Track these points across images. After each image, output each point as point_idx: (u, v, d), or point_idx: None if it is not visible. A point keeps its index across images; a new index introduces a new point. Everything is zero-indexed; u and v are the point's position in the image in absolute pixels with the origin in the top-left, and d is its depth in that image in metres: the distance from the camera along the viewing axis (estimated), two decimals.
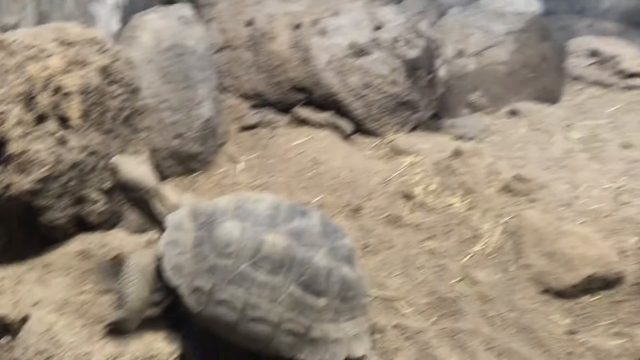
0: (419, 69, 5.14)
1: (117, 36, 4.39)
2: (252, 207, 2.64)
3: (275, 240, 2.52)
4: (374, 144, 4.92)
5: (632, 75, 6.49)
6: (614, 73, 6.58)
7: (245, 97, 5.28)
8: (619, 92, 6.43)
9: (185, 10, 4.62)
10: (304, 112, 4.96)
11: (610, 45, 6.88)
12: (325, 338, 2.55)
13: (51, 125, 2.89)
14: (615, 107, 6.05)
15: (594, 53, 6.83)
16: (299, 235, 2.56)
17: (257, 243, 2.51)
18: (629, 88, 6.44)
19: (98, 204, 3.09)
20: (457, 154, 4.33)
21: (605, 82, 6.57)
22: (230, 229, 2.55)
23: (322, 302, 2.54)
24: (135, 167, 2.76)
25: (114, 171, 2.74)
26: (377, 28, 5.18)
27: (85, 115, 3.03)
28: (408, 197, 4.11)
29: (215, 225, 2.58)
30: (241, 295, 2.48)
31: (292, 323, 2.50)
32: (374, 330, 3.09)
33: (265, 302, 2.48)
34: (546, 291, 3.44)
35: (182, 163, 4.25)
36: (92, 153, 3.02)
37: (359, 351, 2.62)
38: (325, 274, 2.54)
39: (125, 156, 2.92)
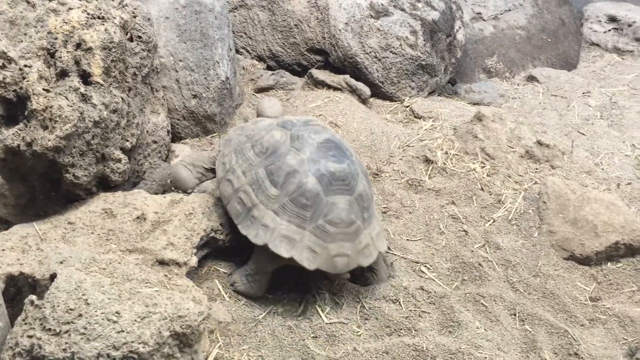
0: (438, 31, 5.02)
1: None
2: (294, 118, 3.20)
3: (275, 134, 3.00)
4: (392, 108, 4.84)
5: None
6: (632, 39, 6.47)
7: (260, 58, 5.19)
8: (637, 58, 6.32)
9: None
10: (321, 74, 4.86)
11: (628, 11, 6.74)
12: (259, 220, 2.85)
13: (73, 81, 2.82)
14: (633, 74, 5.95)
15: (612, 19, 6.69)
16: (295, 139, 2.95)
17: (265, 132, 3.05)
18: None
19: (120, 163, 3.04)
20: (478, 118, 4.26)
21: (624, 48, 6.46)
22: (261, 122, 3.29)
23: (273, 191, 2.86)
24: (269, 104, 3.84)
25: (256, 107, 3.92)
26: None
27: (107, 71, 2.96)
28: (428, 161, 4.06)
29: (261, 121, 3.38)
30: (232, 161, 3.05)
31: (245, 195, 2.91)
32: (398, 292, 3.08)
33: (239, 171, 2.99)
34: (570, 258, 3.42)
35: (199, 124, 4.18)
36: (114, 111, 2.96)
37: (279, 249, 2.78)
38: (288, 172, 2.85)
39: (267, 97, 4.16)
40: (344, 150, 2.99)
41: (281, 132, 3.01)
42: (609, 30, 6.69)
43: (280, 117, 3.27)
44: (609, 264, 3.40)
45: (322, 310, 2.95)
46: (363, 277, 3.16)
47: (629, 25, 6.56)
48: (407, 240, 3.49)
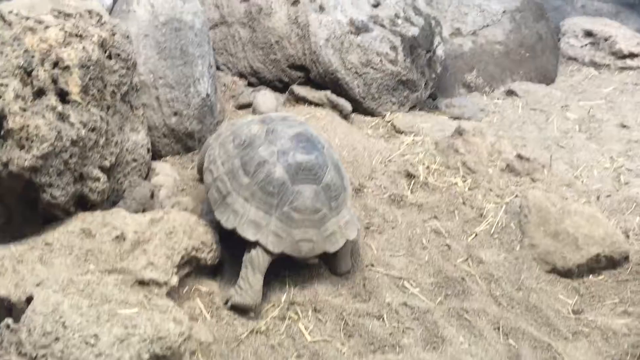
0: (418, 47, 5.06)
1: (110, 10, 4.25)
2: (274, 114, 3.55)
3: (252, 128, 3.23)
4: (373, 123, 4.85)
5: (627, 56, 6.47)
6: (608, 53, 6.56)
7: (241, 75, 5.18)
8: (614, 72, 6.42)
9: None
10: (302, 90, 4.86)
11: (604, 26, 6.85)
12: (231, 206, 3.05)
13: (50, 99, 2.79)
14: (611, 88, 6.04)
15: (588, 33, 6.80)
16: (270, 132, 3.16)
17: (245, 127, 3.28)
18: (624, 69, 6.43)
19: (99, 182, 3.01)
20: (459, 133, 4.28)
21: (600, 62, 6.55)
22: (245, 120, 3.50)
23: (245, 180, 3.06)
24: (263, 99, 4.25)
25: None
26: (376, 5, 5.09)
27: (85, 90, 2.93)
28: (410, 176, 4.06)
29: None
30: (215, 153, 3.28)
31: (222, 183, 3.12)
32: (382, 309, 3.06)
33: (219, 161, 3.21)
34: (552, 271, 3.43)
35: (180, 141, 4.15)
36: (92, 129, 2.93)
37: (245, 233, 2.98)
38: (259, 162, 3.06)
39: (263, 91, 4.56)
40: (315, 143, 3.17)
41: (259, 126, 3.24)
42: (586, 44, 6.79)
43: (265, 114, 3.59)
44: (590, 276, 3.42)
45: (305, 328, 2.92)
46: (332, 265, 3.30)
47: (605, 40, 6.67)
48: (390, 255, 3.48)
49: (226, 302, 2.97)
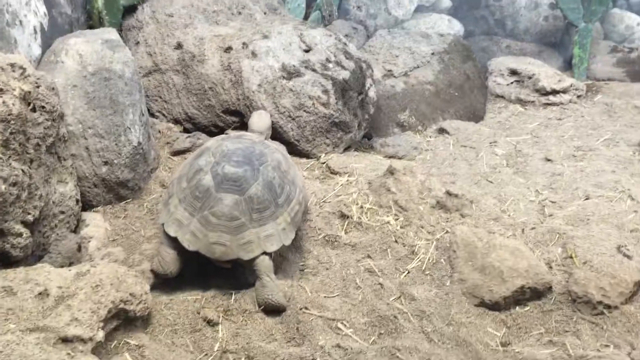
0: (349, 90, 5.21)
1: (39, 61, 4.22)
2: (239, 132, 4.16)
3: (209, 143, 3.71)
4: (309, 165, 4.93)
5: (550, 92, 6.83)
6: (533, 91, 6.90)
7: (176, 121, 5.19)
8: (538, 108, 6.74)
9: (111, 33, 4.50)
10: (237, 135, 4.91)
11: (528, 65, 7.22)
12: (168, 206, 3.50)
13: None
14: (535, 123, 6.34)
15: (513, 72, 7.14)
16: (218, 146, 3.59)
17: (207, 143, 3.77)
18: (548, 104, 6.77)
19: (21, 238, 2.94)
20: (390, 172, 4.40)
21: (526, 99, 6.88)
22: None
23: (184, 185, 3.51)
24: (258, 118, 4.40)
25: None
26: (307, 50, 5.23)
27: (5, 144, 2.89)
28: (344, 216, 4.13)
29: None
30: (182, 165, 3.77)
31: (171, 186, 3.61)
32: (315, 352, 3.07)
33: (179, 169, 3.70)
34: (480, 304, 3.53)
35: (112, 191, 4.11)
36: (13, 184, 2.88)
37: (168, 229, 3.41)
38: (196, 170, 3.48)
39: (260, 110, 4.63)
40: (252, 159, 3.51)
41: (215, 141, 3.70)
42: (512, 82, 7.13)
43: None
44: (517, 308, 3.53)
45: None
46: (260, 297, 3.37)
47: (529, 78, 7.02)
48: (324, 297, 3.51)
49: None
